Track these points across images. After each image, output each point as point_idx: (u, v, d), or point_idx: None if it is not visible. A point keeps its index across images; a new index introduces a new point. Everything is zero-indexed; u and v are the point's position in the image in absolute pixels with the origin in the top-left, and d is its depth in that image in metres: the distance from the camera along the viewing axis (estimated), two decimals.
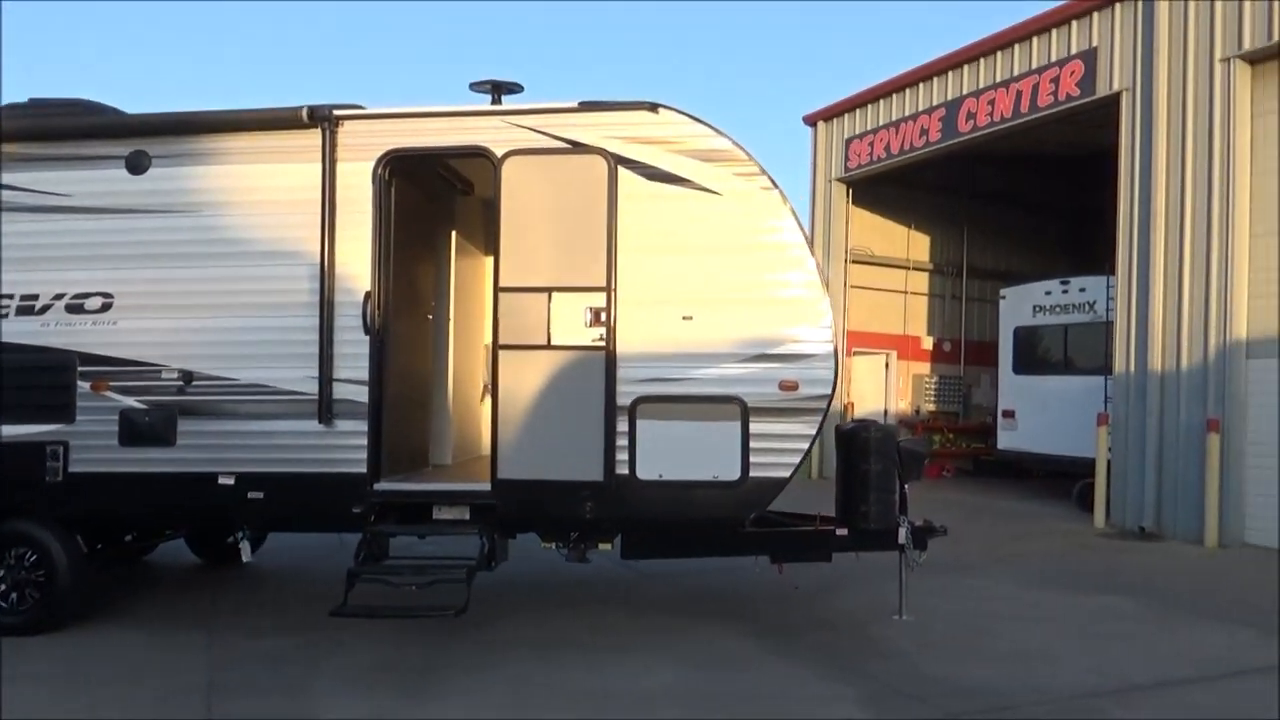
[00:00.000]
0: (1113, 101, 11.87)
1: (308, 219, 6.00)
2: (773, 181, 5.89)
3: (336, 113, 6.04)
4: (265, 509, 6.10)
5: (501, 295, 5.90)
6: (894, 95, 15.65)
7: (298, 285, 6.03)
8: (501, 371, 5.89)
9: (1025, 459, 15.45)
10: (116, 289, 6.15)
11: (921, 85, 15.07)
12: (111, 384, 6.14)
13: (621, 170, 5.86)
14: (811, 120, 17.53)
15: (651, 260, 5.87)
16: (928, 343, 18.88)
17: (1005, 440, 15.74)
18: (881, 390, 18.43)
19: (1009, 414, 15.61)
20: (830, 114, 17.10)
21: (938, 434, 18.14)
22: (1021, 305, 15.48)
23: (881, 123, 15.92)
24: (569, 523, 6.07)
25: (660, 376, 5.85)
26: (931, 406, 18.72)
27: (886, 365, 18.44)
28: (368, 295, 6.01)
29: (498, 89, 6.27)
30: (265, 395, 6.06)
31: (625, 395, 5.83)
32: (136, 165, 6.15)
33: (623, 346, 5.84)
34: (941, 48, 14.55)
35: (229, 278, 6.08)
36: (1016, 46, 13.24)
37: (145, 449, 6.10)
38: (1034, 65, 12.95)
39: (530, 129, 5.95)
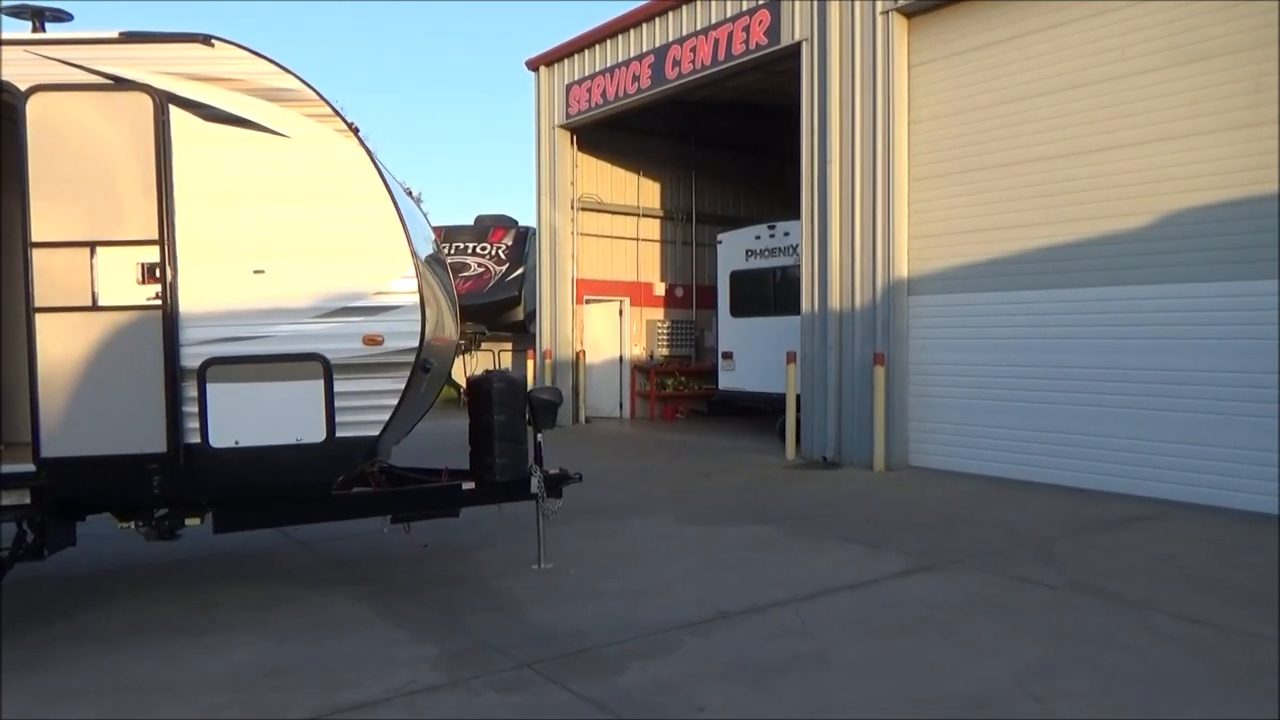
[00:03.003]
0: (796, 51, 12.28)
1: None
2: (348, 124, 5.52)
3: None
4: None
5: (35, 251, 5.20)
6: (609, 41, 15.58)
7: None
8: (41, 338, 5.21)
9: (743, 398, 16.09)
10: None
11: (633, 31, 15.06)
12: None
13: (174, 110, 5.30)
14: (534, 65, 17.22)
15: (215, 210, 5.37)
16: (660, 288, 19.24)
17: (725, 381, 16.33)
18: (616, 337, 18.64)
19: (728, 355, 16.17)
20: (551, 59, 16.84)
21: (670, 377, 18.66)
22: (736, 250, 15.99)
23: (599, 68, 15.83)
24: (135, 500, 5.56)
25: (232, 336, 5.40)
26: (665, 351, 19.15)
27: (620, 312, 18.64)
28: None
29: (38, 15, 5.50)
30: None
31: (192, 357, 5.35)
32: None
33: (186, 305, 5.34)
34: None
35: None
36: None
37: None
38: (728, 14, 13.19)
39: (63, 62, 5.25)
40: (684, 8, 13.96)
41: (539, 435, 6.90)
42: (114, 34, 5.32)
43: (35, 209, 5.20)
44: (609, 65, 15.58)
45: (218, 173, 5.36)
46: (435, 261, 7.14)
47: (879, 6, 11.16)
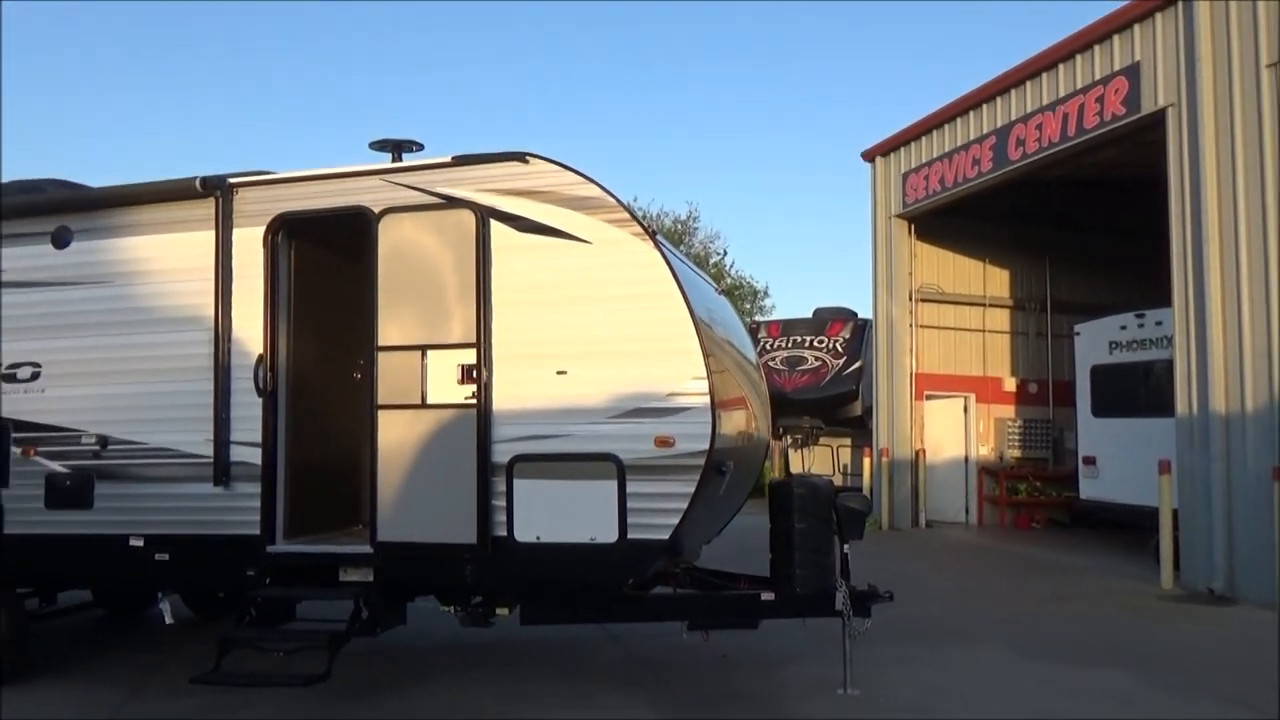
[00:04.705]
0: (1160, 119, 10.89)
1: (205, 285, 6.18)
2: (645, 228, 5.63)
3: (231, 181, 6.21)
4: (171, 571, 6.21)
5: (380, 354, 5.85)
6: (945, 125, 14.94)
7: (197, 350, 6.18)
8: (381, 432, 5.81)
9: (1109, 510, 14.09)
10: (44, 358, 6.49)
11: (971, 114, 14.32)
12: (39, 449, 6.45)
13: (493, 223, 5.75)
14: (869, 156, 16.95)
15: (525, 314, 5.70)
16: (1010, 384, 17.66)
17: (1087, 489, 14.44)
18: (960, 435, 17.33)
19: (1089, 460, 14.33)
20: (886, 148, 16.48)
21: (1024, 482, 16.92)
22: (1097, 342, 14.27)
23: (935, 155, 15.21)
24: (451, 586, 5.90)
25: (536, 434, 5.62)
26: (1016, 452, 17.44)
27: (965, 409, 17.34)
28: (260, 358, 6.09)
29: (397, 148, 6.29)
30: (170, 459, 6.21)
31: (502, 453, 5.64)
32: (60, 240, 6.51)
33: (498, 403, 5.67)
34: (996, 71, 13.77)
35: (138, 345, 6.31)
36: (1060, 67, 12.39)
37: (67, 511, 6.36)
38: (1078, 85, 12.06)
39: (408, 186, 5.93)
40: (1027, 84, 13.01)
41: (845, 546, 6.41)
42: (447, 159, 5.92)
43: (382, 316, 5.86)
44: (946, 150, 14.90)
45: (528, 280, 5.70)
46: (742, 359, 7.05)
47: (1263, 60, 9.57)
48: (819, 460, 21.75)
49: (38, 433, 6.46)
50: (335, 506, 6.88)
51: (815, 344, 20.78)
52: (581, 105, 58.33)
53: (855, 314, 21.29)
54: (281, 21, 59.51)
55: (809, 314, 22.17)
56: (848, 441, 21.27)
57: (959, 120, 14.61)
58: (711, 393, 5.41)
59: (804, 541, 6.19)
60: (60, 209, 6.59)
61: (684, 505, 5.42)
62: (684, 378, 5.45)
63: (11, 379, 6.53)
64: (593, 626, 7.93)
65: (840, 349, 20.43)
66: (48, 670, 6.86)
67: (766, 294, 37.75)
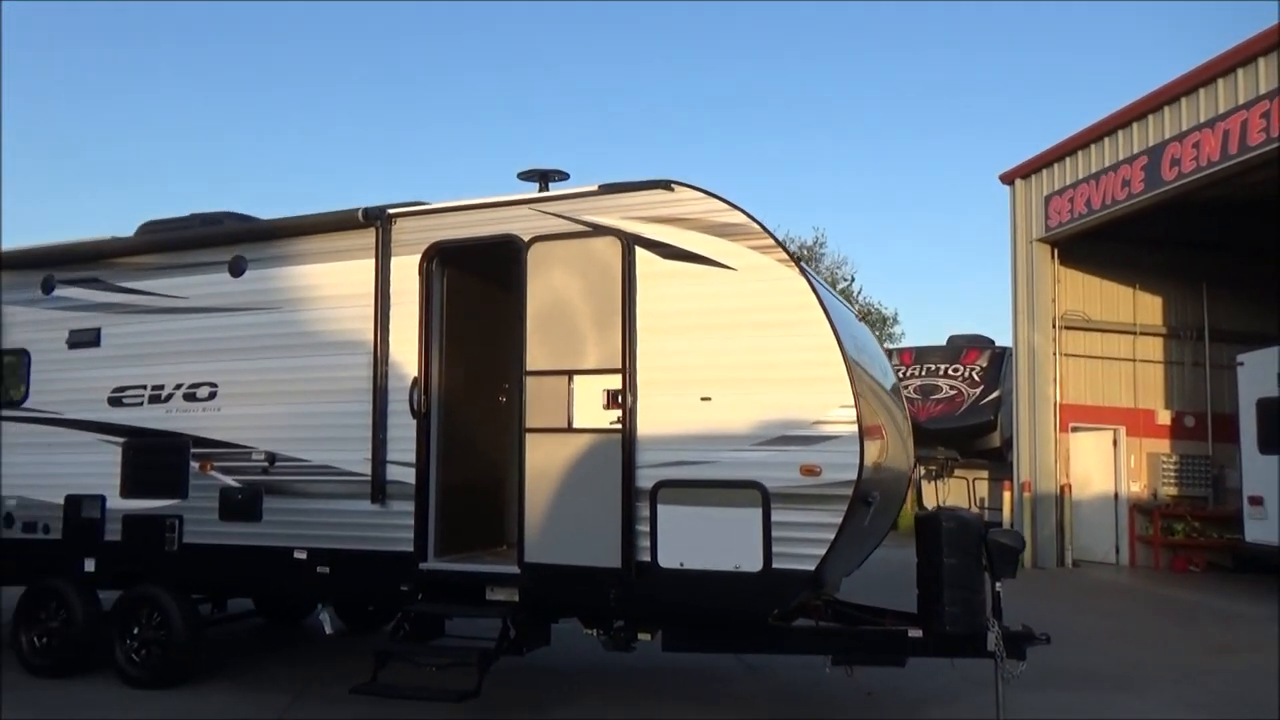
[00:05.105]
0: None
1: (366, 311, 6.49)
2: (789, 254, 5.61)
3: (390, 211, 6.53)
4: (331, 583, 6.52)
5: (528, 379, 6.00)
6: (1092, 146, 14.34)
7: (357, 373, 6.49)
8: (528, 454, 5.95)
9: (1279, 555, 13.06)
10: (220, 378, 6.95)
11: (1120, 133, 13.70)
12: (214, 464, 6.90)
13: (639, 250, 5.83)
14: (1009, 178, 16.41)
15: (669, 340, 5.74)
16: (1164, 417, 16.65)
17: (1254, 531, 13.45)
18: (1109, 470, 16.43)
19: (1256, 500, 13.35)
20: (1027, 170, 15.93)
21: (1180, 522, 15.88)
22: (1264, 373, 13.32)
23: (1080, 176, 14.60)
24: (594, 609, 5.96)
25: (681, 460, 5.65)
26: (1172, 490, 16.39)
27: (1115, 442, 16.44)
28: (415, 381, 6.35)
29: (544, 177, 6.49)
30: (331, 476, 6.53)
31: (646, 478, 5.69)
32: (236, 269, 6.98)
33: (642, 428, 5.73)
34: (1144, 90, 13.17)
35: (303, 367, 6.68)
36: (1220, 82, 11.73)
37: (238, 524, 6.77)
38: (1240, 100, 11.39)
39: (556, 215, 6.10)
40: (1183, 101, 12.36)
41: (998, 584, 6.15)
42: (593, 187, 6.06)
43: (530, 341, 6.03)
44: (1093, 172, 14.28)
45: (673, 306, 5.75)
46: (883, 388, 6.91)
47: None
48: (954, 492, 21.01)
49: (213, 448, 6.91)
50: (480, 526, 7.06)
51: (950, 372, 20.17)
52: (709, 132, 58.73)
53: (992, 341, 20.55)
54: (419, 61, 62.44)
55: (940, 341, 21.55)
56: (984, 474, 20.46)
57: (1106, 140, 14.01)
58: (859, 421, 5.32)
59: (953, 578, 5.96)
60: (237, 240, 7.07)
61: (830, 535, 5.33)
62: (831, 405, 5.38)
63: (192, 397, 7.02)
64: (733, 656, 7.86)
65: (977, 377, 19.76)
66: (218, 672, 7.29)
67: (895, 320, 36.91)
